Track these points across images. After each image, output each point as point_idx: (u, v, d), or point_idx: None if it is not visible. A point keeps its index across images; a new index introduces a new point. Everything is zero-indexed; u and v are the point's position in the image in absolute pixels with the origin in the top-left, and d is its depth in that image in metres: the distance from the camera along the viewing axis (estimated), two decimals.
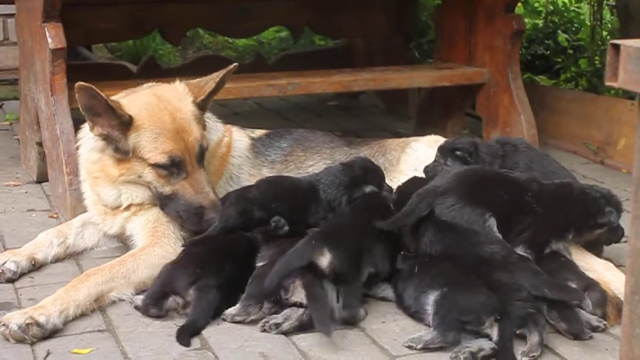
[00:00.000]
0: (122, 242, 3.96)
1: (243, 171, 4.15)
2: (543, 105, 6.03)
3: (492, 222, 3.45)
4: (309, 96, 7.35)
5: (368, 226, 3.43)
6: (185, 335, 3.14)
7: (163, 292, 3.31)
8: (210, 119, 4.07)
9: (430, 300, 3.15)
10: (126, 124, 3.62)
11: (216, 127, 4.13)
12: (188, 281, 3.28)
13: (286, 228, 3.61)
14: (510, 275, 3.17)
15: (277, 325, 3.16)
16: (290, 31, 7.38)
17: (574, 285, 3.25)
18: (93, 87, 3.57)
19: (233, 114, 6.83)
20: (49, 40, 4.51)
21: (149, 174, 3.69)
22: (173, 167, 3.67)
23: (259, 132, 4.38)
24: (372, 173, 3.88)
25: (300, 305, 3.17)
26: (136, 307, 3.36)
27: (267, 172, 4.16)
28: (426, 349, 3.03)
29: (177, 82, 3.91)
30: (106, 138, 3.68)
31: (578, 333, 3.14)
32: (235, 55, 8.94)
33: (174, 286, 3.29)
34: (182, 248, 3.58)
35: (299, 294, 3.16)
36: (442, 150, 3.97)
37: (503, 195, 3.50)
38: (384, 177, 3.95)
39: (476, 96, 5.85)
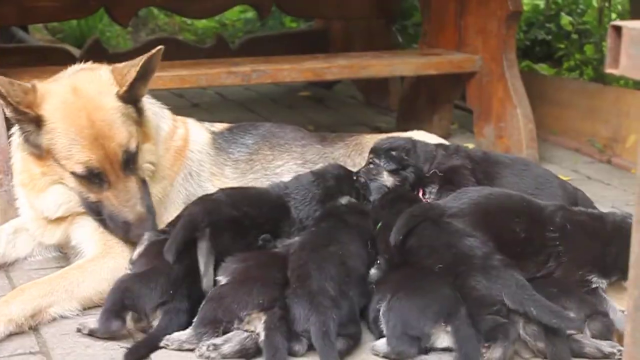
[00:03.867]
0: (62, 252, 3.93)
1: (204, 168, 4.11)
2: (543, 97, 6.07)
3: None
4: (278, 86, 7.35)
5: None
6: (138, 352, 3.12)
7: (123, 305, 3.25)
8: (154, 104, 4.01)
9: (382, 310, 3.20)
10: (35, 120, 3.55)
11: (163, 114, 4.05)
12: (158, 302, 3.25)
13: (274, 243, 3.61)
14: (489, 285, 3.19)
15: (216, 346, 3.10)
16: (257, 11, 7.37)
17: (571, 315, 3.26)
18: None
19: (191, 106, 6.82)
20: None
21: (69, 180, 3.65)
22: (93, 178, 3.60)
23: (219, 126, 4.34)
24: (347, 181, 3.88)
25: (250, 332, 3.15)
26: (91, 331, 3.26)
27: (230, 172, 4.13)
28: None
29: (103, 69, 3.78)
30: (19, 122, 3.60)
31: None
32: (194, 39, 8.94)
33: (140, 303, 3.25)
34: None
35: (256, 324, 3.14)
36: (375, 150, 3.99)
37: (518, 231, 3.50)
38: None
39: (467, 86, 5.88)
